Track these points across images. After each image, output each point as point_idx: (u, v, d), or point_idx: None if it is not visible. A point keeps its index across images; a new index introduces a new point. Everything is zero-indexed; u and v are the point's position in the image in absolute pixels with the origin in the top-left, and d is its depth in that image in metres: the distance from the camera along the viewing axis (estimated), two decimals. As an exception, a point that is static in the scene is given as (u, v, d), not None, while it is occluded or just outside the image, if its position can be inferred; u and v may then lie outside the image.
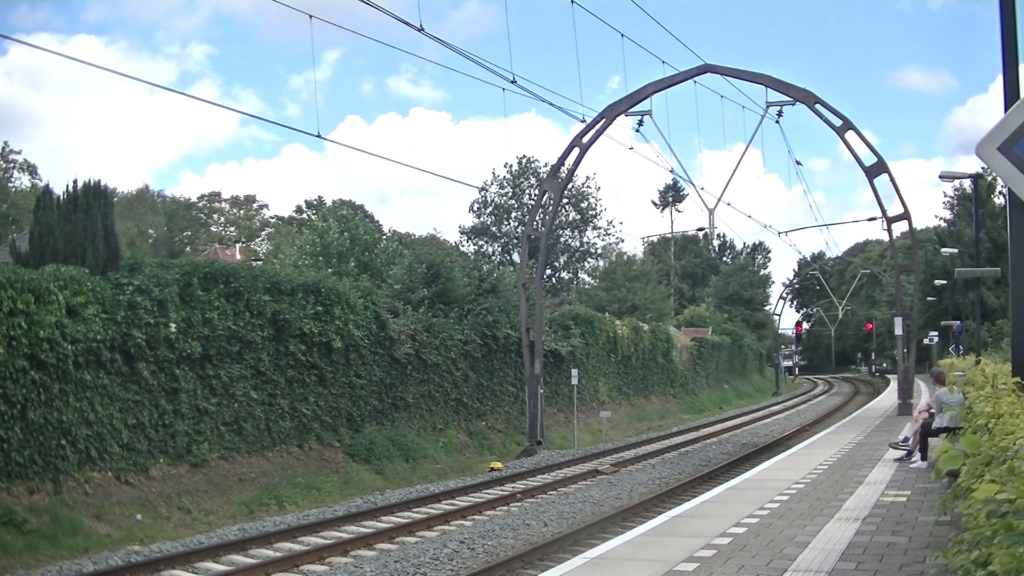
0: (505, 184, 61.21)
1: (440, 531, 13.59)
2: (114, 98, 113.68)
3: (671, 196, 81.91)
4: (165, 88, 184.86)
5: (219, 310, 16.25)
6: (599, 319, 33.19)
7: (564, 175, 27.06)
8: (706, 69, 24.97)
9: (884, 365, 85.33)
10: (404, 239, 53.72)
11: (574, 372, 26.93)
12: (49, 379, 13.12)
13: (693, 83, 25.66)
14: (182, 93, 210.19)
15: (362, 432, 19.55)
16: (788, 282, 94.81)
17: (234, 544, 12.39)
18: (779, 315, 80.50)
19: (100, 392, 13.95)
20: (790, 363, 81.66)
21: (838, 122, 24.99)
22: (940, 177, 54.00)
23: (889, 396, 37.21)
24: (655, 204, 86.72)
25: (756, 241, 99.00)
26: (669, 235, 76.15)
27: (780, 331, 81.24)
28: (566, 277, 62.97)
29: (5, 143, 61.40)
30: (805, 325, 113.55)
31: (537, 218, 27.99)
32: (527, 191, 59.95)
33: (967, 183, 49.11)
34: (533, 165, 60.64)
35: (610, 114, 25.29)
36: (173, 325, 15.28)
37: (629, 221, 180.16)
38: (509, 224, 60.97)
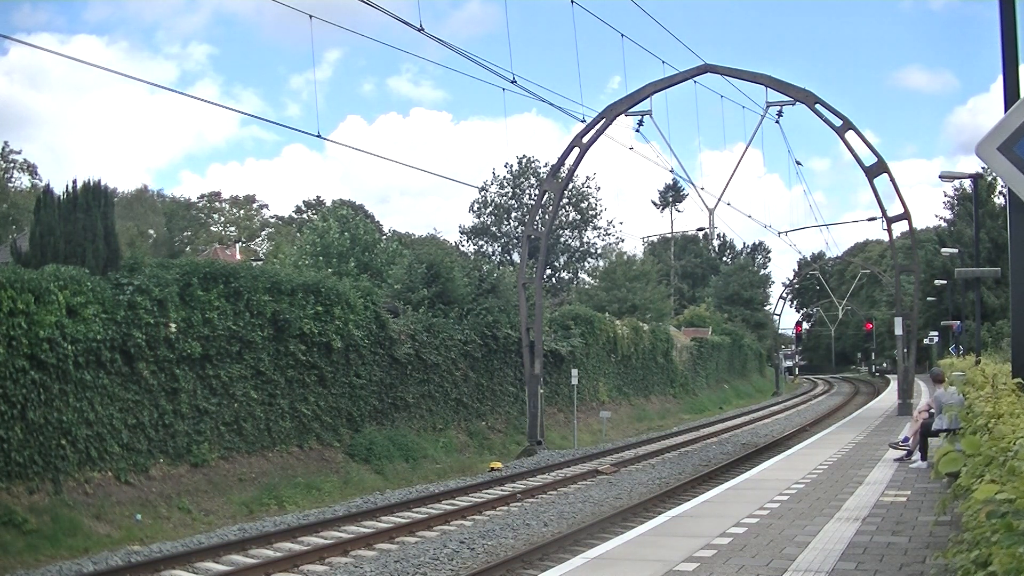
0: (505, 184, 61.21)
1: (440, 531, 13.60)
2: (115, 98, 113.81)
3: (671, 196, 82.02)
4: (166, 88, 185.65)
5: (219, 310, 16.25)
6: (599, 319, 33.21)
7: (564, 175, 27.07)
8: (706, 69, 24.97)
9: (884, 365, 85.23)
10: (404, 239, 53.82)
11: (574, 372, 26.94)
12: (49, 379, 13.13)
13: (693, 83, 25.73)
14: (183, 93, 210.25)
15: (362, 432, 19.56)
16: (788, 282, 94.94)
17: (234, 544, 12.39)
18: (779, 315, 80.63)
19: (100, 392, 13.95)
20: (790, 363, 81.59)
21: (838, 122, 24.99)
22: (940, 177, 54.03)
23: (889, 396, 37.20)
24: (655, 204, 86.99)
25: (756, 241, 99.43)
26: (669, 235, 76.30)
27: (780, 331, 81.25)
28: (566, 277, 62.93)
29: (5, 143, 61.56)
30: (805, 325, 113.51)
31: (537, 218, 27.99)
32: (527, 191, 59.92)
33: (967, 183, 49.06)
34: (533, 165, 60.66)
35: (610, 114, 25.30)
36: (173, 325, 15.28)
37: (629, 221, 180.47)
38: (509, 224, 60.94)
